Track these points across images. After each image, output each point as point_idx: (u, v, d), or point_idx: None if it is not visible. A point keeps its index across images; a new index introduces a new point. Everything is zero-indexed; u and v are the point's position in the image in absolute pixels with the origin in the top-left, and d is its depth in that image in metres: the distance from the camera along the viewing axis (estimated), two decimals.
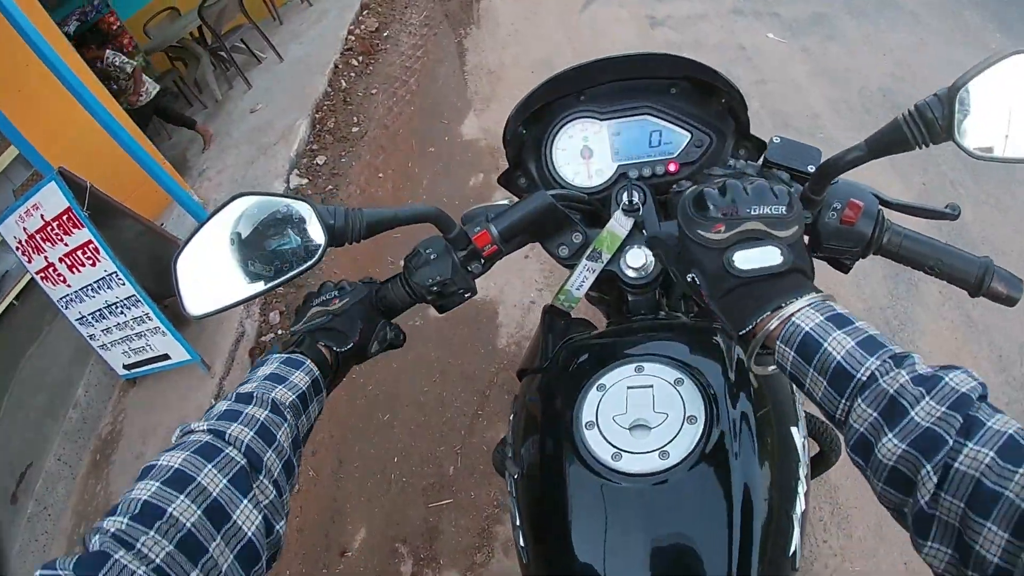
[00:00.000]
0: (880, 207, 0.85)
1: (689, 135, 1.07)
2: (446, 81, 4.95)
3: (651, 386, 0.79)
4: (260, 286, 0.75)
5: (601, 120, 1.09)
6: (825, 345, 0.57)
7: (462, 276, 0.93)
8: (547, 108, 1.10)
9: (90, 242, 2.90)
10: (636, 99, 1.09)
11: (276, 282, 0.75)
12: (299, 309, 0.93)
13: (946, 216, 0.83)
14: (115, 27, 6.19)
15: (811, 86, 3.81)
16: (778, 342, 0.61)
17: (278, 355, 0.80)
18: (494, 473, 1.34)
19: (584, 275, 0.97)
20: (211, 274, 0.76)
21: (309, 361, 0.80)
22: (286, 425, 0.70)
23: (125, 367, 3.31)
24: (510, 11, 5.78)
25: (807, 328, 0.59)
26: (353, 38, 5.93)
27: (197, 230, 0.76)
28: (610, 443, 0.75)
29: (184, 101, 6.23)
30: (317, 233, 0.74)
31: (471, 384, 2.68)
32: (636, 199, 0.99)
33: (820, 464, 1.16)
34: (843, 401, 0.56)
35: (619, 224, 0.96)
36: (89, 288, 3.08)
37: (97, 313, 3.16)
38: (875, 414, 0.53)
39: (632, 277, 0.96)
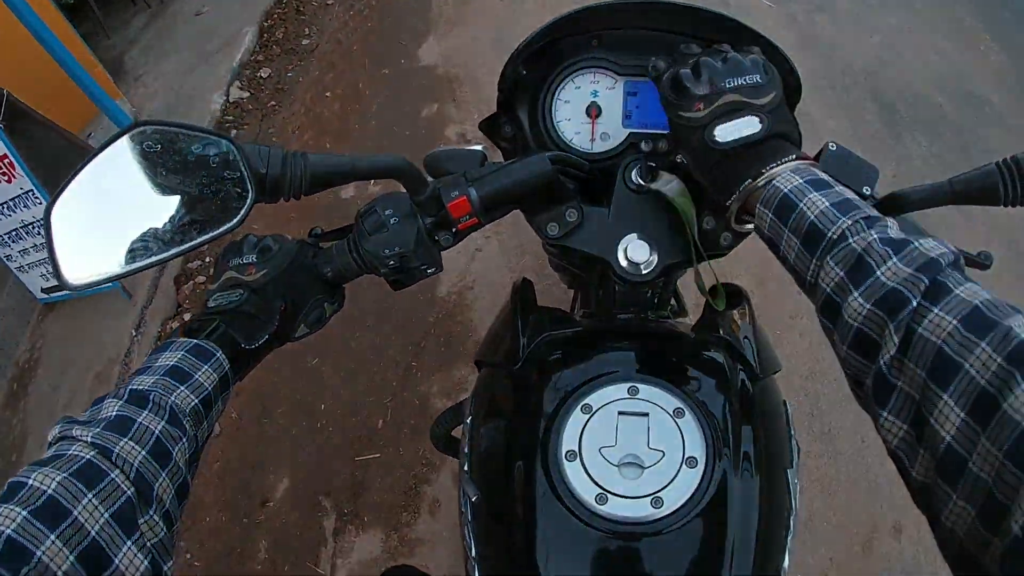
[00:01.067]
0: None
1: None
2: None
3: (647, 415, 0.68)
4: (160, 254, 0.58)
5: (618, 75, 0.93)
6: (800, 205, 0.57)
7: (427, 249, 0.76)
8: (554, 48, 0.93)
9: (4, 156, 2.67)
10: (660, 55, 0.93)
11: (181, 248, 0.58)
12: (216, 265, 0.76)
13: (976, 264, 0.71)
14: None
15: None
16: (758, 205, 0.62)
17: (184, 340, 0.65)
18: (424, 430, 1.23)
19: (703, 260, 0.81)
20: (95, 232, 0.59)
21: (220, 353, 0.65)
22: (184, 440, 0.58)
23: (43, 291, 3.12)
24: None
25: (785, 190, 0.59)
26: None
27: (78, 170, 0.57)
28: (594, 481, 0.64)
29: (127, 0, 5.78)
30: (243, 183, 0.57)
31: (406, 333, 2.56)
32: (645, 179, 0.84)
33: None
34: (813, 261, 0.56)
35: (668, 183, 0.82)
36: (4, 206, 2.86)
37: (13, 233, 2.94)
38: (842, 273, 0.53)
39: (628, 271, 0.83)
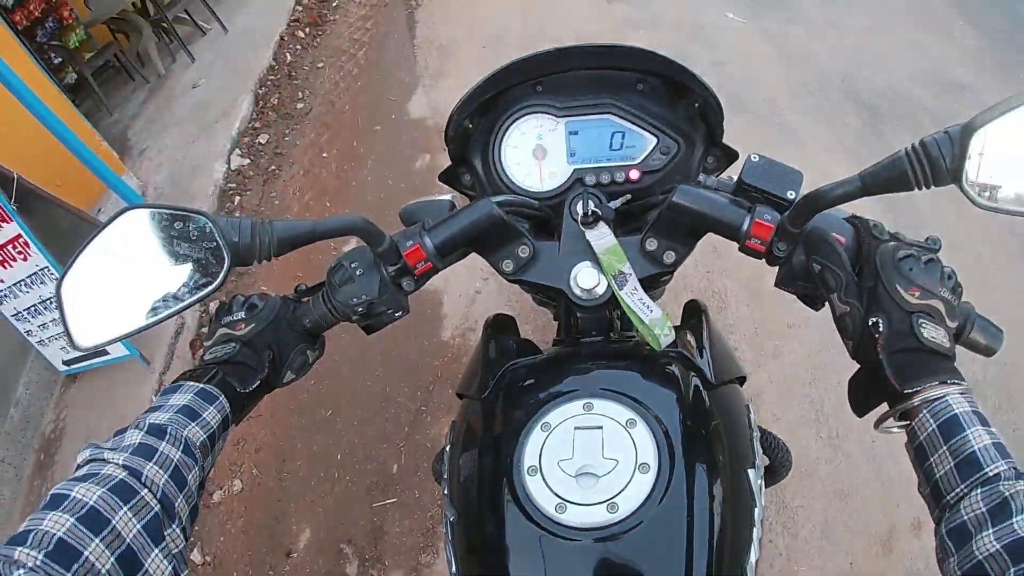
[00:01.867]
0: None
1: (655, 139, 0.99)
2: (395, 55, 4.80)
3: (600, 427, 0.73)
4: (154, 315, 0.67)
5: (558, 117, 1.00)
6: (968, 433, 0.61)
7: (392, 295, 0.84)
8: (498, 99, 1.01)
9: (19, 236, 2.78)
10: (598, 94, 1.00)
11: (173, 310, 0.67)
12: (210, 324, 0.85)
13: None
14: None
15: (770, 69, 3.77)
16: (925, 411, 0.64)
17: (192, 384, 0.74)
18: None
19: (638, 298, 0.85)
20: (100, 300, 0.68)
21: (223, 397, 0.75)
22: (196, 468, 0.68)
23: (65, 363, 3.20)
24: None
25: (957, 411, 0.62)
26: (300, 8, 5.72)
27: (82, 250, 0.67)
28: (554, 492, 0.68)
29: (125, 75, 5.99)
30: (218, 252, 0.65)
31: (414, 378, 2.63)
32: (592, 208, 0.90)
33: (770, 477, 1.11)
34: (962, 486, 0.59)
35: (600, 238, 0.88)
36: (23, 284, 2.96)
37: (33, 308, 3.04)
38: (984, 509, 0.56)
39: (583, 298, 0.89)
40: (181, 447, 0.67)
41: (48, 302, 2.97)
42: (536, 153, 1.01)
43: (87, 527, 0.55)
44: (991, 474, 0.57)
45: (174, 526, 0.62)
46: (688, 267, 2.65)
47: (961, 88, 3.33)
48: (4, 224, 2.78)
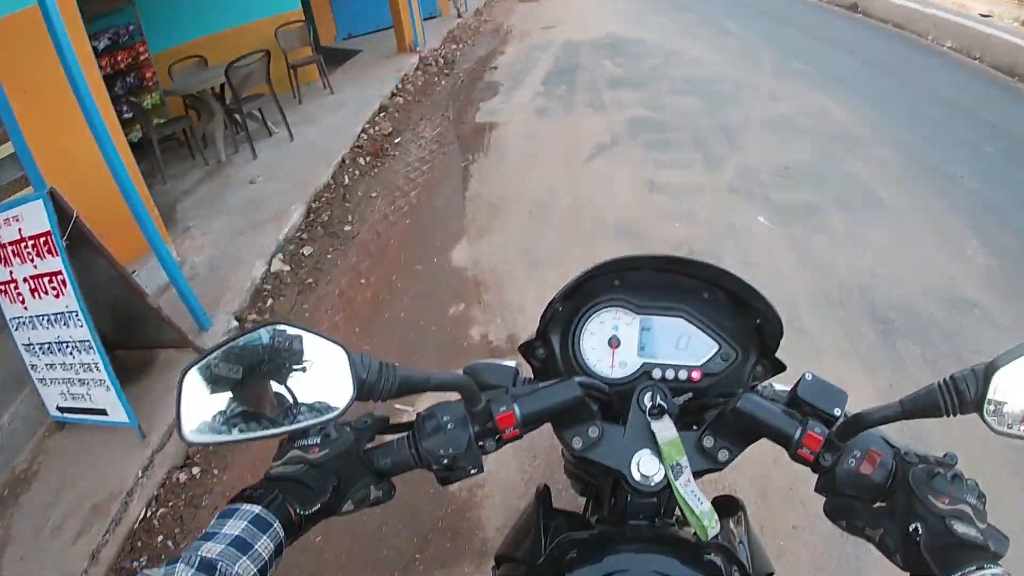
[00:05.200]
0: (896, 459, 0.86)
1: (717, 346, 1.08)
2: (446, 202, 5.07)
3: None
4: (265, 430, 0.69)
5: (635, 313, 1.09)
6: None
7: (475, 453, 0.89)
8: (584, 287, 1.10)
9: (59, 272, 2.84)
10: (671, 299, 1.09)
11: (284, 429, 0.69)
12: (282, 444, 0.89)
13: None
14: (143, 58, 6.27)
15: (793, 274, 3.95)
16: None
17: (248, 508, 0.76)
18: None
19: (691, 490, 0.91)
20: (215, 400, 0.70)
21: (277, 523, 0.77)
22: None
23: (59, 408, 3.18)
24: (520, 147, 6.02)
25: None
26: (366, 137, 6.08)
27: (218, 347, 0.71)
28: None
29: (186, 152, 6.26)
30: (344, 383, 0.68)
31: (414, 524, 2.60)
32: (659, 402, 0.97)
33: None
34: None
35: (665, 430, 0.94)
36: (45, 318, 2.99)
37: (46, 346, 3.05)
38: None
39: (640, 483, 0.94)
40: None
41: (65, 345, 2.98)
42: (611, 342, 1.09)
43: None
44: None
45: None
46: None
47: (971, 305, 3.47)
48: (49, 256, 2.84)
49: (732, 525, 1.04)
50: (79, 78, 2.99)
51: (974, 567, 0.71)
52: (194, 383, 0.70)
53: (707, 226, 4.45)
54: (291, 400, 0.69)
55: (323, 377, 0.69)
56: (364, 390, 0.70)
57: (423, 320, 3.74)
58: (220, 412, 0.70)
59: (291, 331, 0.70)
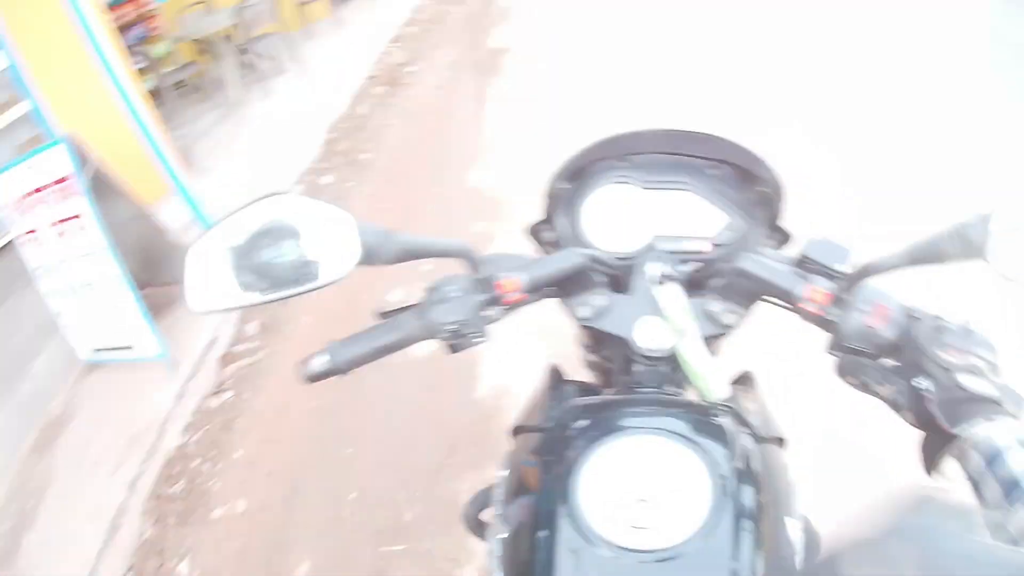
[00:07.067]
0: (906, 314, 0.86)
1: (727, 218, 1.08)
2: (462, 127, 5.00)
3: (657, 461, 0.77)
4: (273, 293, 0.70)
5: (643, 188, 1.08)
6: (1007, 459, 0.67)
7: (479, 320, 0.90)
8: (589, 167, 1.10)
9: (84, 213, 2.88)
10: (679, 174, 1.09)
11: (296, 290, 0.70)
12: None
13: None
14: (148, 7, 6.22)
15: None
16: (972, 449, 0.71)
17: None
18: (452, 525, 1.28)
19: (698, 353, 0.92)
20: (220, 271, 0.71)
21: None
22: None
23: (92, 349, 3.24)
24: (532, 65, 5.85)
25: (1000, 445, 0.69)
26: (380, 67, 6.00)
27: (219, 222, 0.71)
28: (609, 517, 0.72)
29: (199, 95, 6.24)
30: (351, 247, 0.69)
31: (442, 432, 2.63)
32: (664, 271, 0.98)
33: None
34: (1008, 506, 0.65)
35: (670, 297, 0.94)
36: (73, 260, 3.02)
37: (75, 287, 3.09)
38: None
39: (645, 348, 0.94)
40: None
41: (91, 284, 3.02)
42: (619, 219, 1.09)
43: None
44: None
45: None
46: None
47: None
48: (73, 197, 2.88)
49: (743, 395, 1.04)
50: (93, 27, 3.01)
51: (983, 419, 0.71)
52: (198, 258, 0.71)
53: None
54: (299, 263, 0.69)
55: (327, 242, 0.69)
56: (368, 254, 0.71)
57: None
58: (224, 281, 0.71)
59: (292, 199, 0.70)
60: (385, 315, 0.93)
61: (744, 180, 1.08)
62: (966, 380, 0.75)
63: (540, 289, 0.94)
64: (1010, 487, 0.65)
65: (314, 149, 4.67)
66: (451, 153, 4.65)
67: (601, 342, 1.14)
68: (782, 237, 1.09)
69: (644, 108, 4.28)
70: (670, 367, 0.98)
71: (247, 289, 0.70)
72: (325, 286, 0.70)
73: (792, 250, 0.95)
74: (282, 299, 0.71)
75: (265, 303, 0.71)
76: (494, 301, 0.91)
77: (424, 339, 0.90)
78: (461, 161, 4.49)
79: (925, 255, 0.72)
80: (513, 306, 0.93)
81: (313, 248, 0.69)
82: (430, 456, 2.55)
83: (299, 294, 0.71)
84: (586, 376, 1.27)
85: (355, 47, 6.66)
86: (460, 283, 0.90)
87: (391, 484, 2.49)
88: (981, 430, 0.71)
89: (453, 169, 4.42)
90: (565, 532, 0.72)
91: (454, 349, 0.93)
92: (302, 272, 0.70)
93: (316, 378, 0.89)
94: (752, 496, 0.76)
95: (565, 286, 0.98)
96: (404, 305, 0.93)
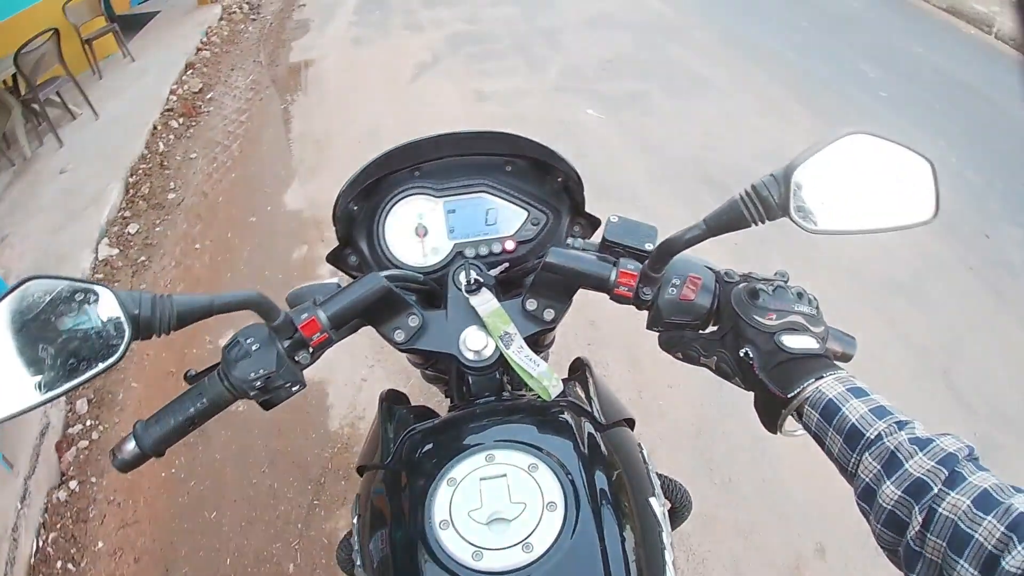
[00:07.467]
0: (718, 281, 0.86)
1: (526, 213, 1.09)
2: (270, 148, 4.86)
3: (504, 475, 0.76)
4: (51, 391, 0.63)
5: (436, 197, 1.08)
6: (843, 410, 0.69)
7: (288, 369, 0.84)
8: (380, 184, 1.08)
9: None
10: (471, 176, 1.09)
11: (70, 385, 0.63)
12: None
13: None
14: None
15: (627, 158, 4.12)
16: (807, 406, 0.73)
17: None
18: (337, 569, 1.27)
19: (525, 355, 0.90)
20: None
21: None
22: None
23: None
24: (338, 80, 5.82)
25: (830, 396, 0.71)
26: (175, 98, 5.68)
27: None
28: (468, 542, 0.70)
29: None
30: (119, 325, 0.63)
31: (304, 472, 2.59)
32: (474, 277, 0.97)
33: (674, 519, 1.14)
34: (854, 455, 0.67)
35: (485, 303, 0.94)
36: None
37: None
38: (879, 466, 0.63)
39: (472, 360, 0.94)
40: None
41: None
42: (418, 231, 1.08)
43: None
44: (872, 436, 0.65)
45: None
46: (568, 339, 2.81)
47: None
48: None
49: (578, 385, 1.05)
50: None
51: (812, 379, 0.73)
52: None
53: (538, 125, 4.51)
54: (68, 355, 0.63)
55: (95, 323, 0.63)
56: (141, 328, 0.65)
57: (267, 270, 3.63)
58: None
59: (47, 283, 0.63)
60: (193, 379, 0.86)
61: (541, 172, 1.10)
62: (788, 340, 0.76)
63: (347, 323, 0.89)
64: (852, 437, 0.67)
65: (115, 196, 4.36)
66: (263, 178, 4.50)
67: (430, 359, 1.14)
68: (591, 224, 1.11)
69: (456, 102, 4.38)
70: (503, 372, 0.99)
71: (28, 390, 0.63)
72: (100, 373, 0.64)
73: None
74: (58, 397, 0.65)
75: (47, 401, 0.64)
76: (301, 344, 0.86)
77: (235, 400, 0.85)
78: (275, 185, 4.37)
79: (726, 222, 0.71)
80: (322, 345, 0.87)
81: (76, 336, 0.63)
82: (297, 501, 2.51)
83: (72, 389, 0.65)
84: (429, 390, 1.24)
85: (148, 80, 6.24)
86: (258, 333, 0.85)
87: (265, 540, 2.43)
88: (811, 388, 0.73)
89: (267, 194, 4.30)
90: (429, 570, 0.71)
91: (268, 404, 0.89)
92: (68, 366, 0.63)
93: (129, 467, 0.82)
94: (605, 483, 0.77)
95: (374, 313, 0.94)
96: (211, 365, 0.87)
